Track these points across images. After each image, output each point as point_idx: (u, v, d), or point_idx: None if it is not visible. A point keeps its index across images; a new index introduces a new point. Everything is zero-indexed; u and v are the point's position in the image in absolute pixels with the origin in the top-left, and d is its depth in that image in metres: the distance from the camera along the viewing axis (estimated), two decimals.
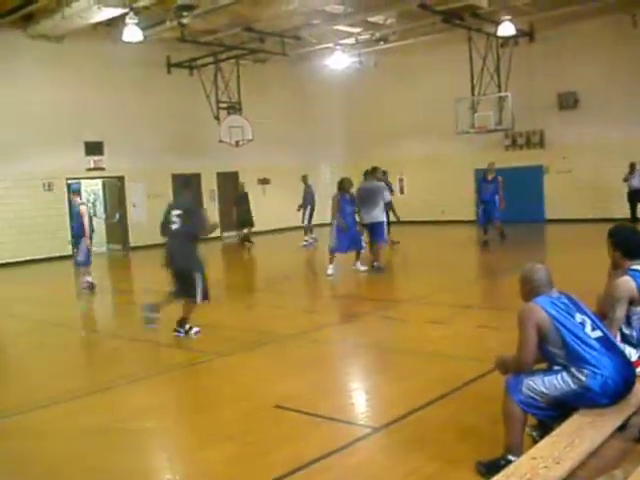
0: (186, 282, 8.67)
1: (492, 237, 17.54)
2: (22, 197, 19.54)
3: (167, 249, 8.92)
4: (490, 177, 17.54)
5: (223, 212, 24.75)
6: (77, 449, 5.31)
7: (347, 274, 14.04)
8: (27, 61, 19.21)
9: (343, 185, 13.57)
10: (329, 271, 13.53)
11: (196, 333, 8.87)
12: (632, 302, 4.48)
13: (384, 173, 17.40)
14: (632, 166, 20.60)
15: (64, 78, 19.98)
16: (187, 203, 9.10)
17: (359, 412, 6.02)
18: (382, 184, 14.72)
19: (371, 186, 14.03)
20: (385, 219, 14.50)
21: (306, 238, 20.22)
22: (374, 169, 14.92)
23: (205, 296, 8.84)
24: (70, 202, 16.12)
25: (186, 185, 9.35)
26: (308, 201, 20.66)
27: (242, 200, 21.32)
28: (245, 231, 21.52)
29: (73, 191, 16.40)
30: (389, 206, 15.90)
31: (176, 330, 8.89)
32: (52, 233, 20.02)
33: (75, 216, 14.35)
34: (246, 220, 21.19)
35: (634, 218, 20.70)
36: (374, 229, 13.88)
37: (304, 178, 21.13)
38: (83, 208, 13.88)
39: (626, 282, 4.50)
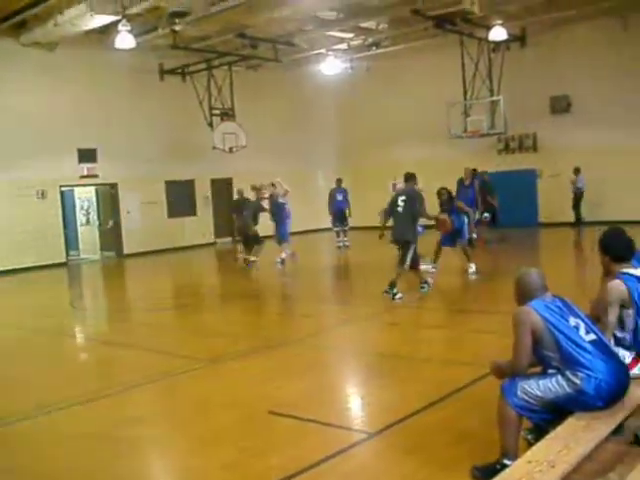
0: (403, 252, 11.05)
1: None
2: (15, 205, 19.48)
3: (394, 228, 11.31)
4: (467, 182, 17.36)
5: (217, 218, 24.76)
6: (73, 456, 5.30)
7: (340, 279, 14.04)
8: (20, 68, 19.18)
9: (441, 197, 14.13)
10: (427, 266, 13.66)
11: (399, 298, 10.80)
12: (624, 305, 4.49)
13: (475, 171, 18.67)
14: (577, 170, 20.98)
15: (57, 85, 19.95)
16: (410, 191, 11.39)
17: (354, 417, 6.02)
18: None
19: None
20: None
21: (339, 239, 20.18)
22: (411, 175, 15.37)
23: (414, 265, 11.27)
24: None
25: (408, 179, 11.66)
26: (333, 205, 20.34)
27: (242, 207, 20.35)
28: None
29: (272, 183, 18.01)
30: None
31: (386, 291, 10.90)
32: (45, 241, 19.99)
33: (275, 203, 17.11)
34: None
35: (577, 221, 21.38)
36: None
37: (338, 182, 20.78)
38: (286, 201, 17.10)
39: (617, 285, 4.51)
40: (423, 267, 13.38)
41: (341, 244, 19.96)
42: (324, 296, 13.21)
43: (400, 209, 11.19)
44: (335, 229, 20.33)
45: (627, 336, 4.55)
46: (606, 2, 18.81)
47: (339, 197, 20.40)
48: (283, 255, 16.72)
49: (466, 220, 14.11)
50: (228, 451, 5.14)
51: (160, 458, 5.44)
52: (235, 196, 21.45)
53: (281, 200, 17.11)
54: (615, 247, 4.74)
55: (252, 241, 16.58)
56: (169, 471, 5.18)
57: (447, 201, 13.96)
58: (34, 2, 16.54)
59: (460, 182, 17.47)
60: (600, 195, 21.47)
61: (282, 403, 6.15)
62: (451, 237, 13.70)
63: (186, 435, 5.70)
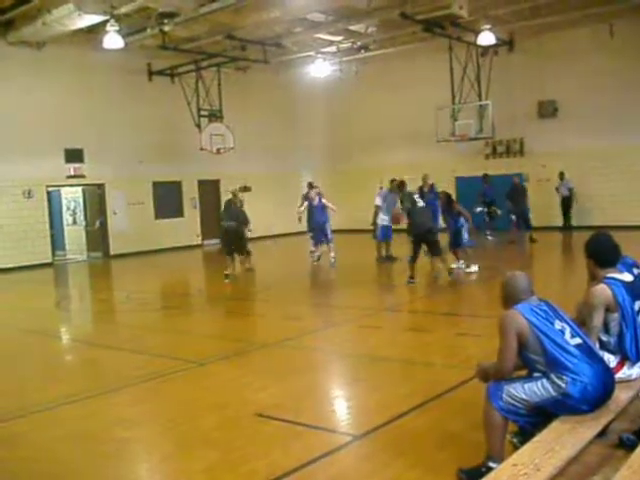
0: (434, 241, 13.06)
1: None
2: (1, 204, 19.38)
3: (420, 223, 12.97)
4: (427, 189, 16.88)
5: (204, 220, 24.72)
6: (58, 458, 5.26)
7: (326, 282, 14.06)
8: (7, 67, 19.04)
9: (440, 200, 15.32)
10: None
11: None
12: (609, 309, 4.51)
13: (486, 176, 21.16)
14: (561, 175, 21.21)
15: (44, 85, 19.86)
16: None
17: (340, 420, 6.01)
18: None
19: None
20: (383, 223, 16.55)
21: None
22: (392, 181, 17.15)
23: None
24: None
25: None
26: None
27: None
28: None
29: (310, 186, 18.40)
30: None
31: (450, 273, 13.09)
32: (32, 241, 19.90)
33: (317, 207, 16.92)
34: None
35: (566, 225, 21.72)
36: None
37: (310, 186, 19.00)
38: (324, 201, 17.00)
39: (602, 290, 4.53)
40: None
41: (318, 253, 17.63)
42: (309, 299, 13.21)
43: (421, 204, 13.14)
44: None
45: (612, 340, 4.58)
46: (593, 9, 18.95)
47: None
48: (317, 252, 17.17)
49: (465, 224, 14.31)
50: (213, 454, 5.12)
51: (145, 461, 5.41)
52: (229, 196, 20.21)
53: (315, 204, 17.15)
54: (600, 252, 4.76)
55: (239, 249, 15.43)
56: (154, 474, 5.15)
57: (446, 204, 14.47)
58: (22, 1, 16.46)
59: (420, 190, 16.34)
60: (586, 200, 21.64)
61: (268, 405, 6.14)
62: (451, 240, 14.31)
63: (172, 438, 5.67)
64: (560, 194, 21.64)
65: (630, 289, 4.57)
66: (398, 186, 16.27)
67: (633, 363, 4.54)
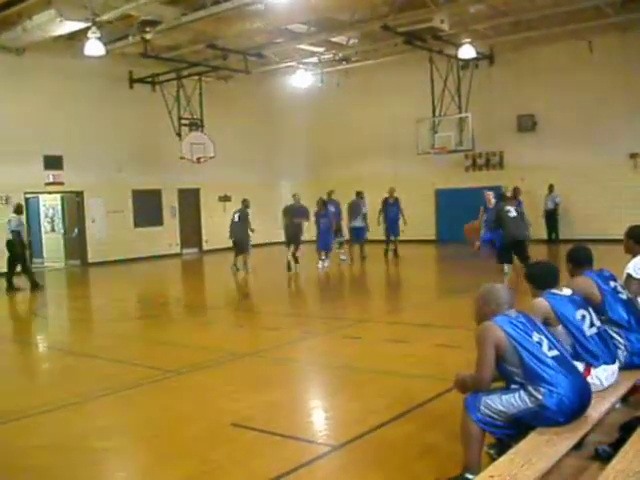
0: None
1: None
2: None
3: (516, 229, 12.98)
4: (392, 200, 19.82)
5: (184, 229, 24.66)
6: (33, 467, 5.19)
7: (306, 295, 14.07)
8: None
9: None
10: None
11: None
12: (549, 323, 4.59)
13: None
14: (550, 188, 21.41)
15: (24, 91, 19.73)
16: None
17: (318, 430, 6.00)
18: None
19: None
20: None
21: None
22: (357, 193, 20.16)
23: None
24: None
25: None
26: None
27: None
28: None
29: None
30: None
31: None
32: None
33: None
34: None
35: (550, 238, 21.81)
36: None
37: (244, 202, 18.26)
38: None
39: (539, 302, 4.70)
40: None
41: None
42: (287, 308, 13.19)
43: (513, 214, 12.78)
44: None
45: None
46: (572, 25, 19.18)
47: (235, 219, 17.80)
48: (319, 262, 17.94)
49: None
50: (191, 464, 5.08)
51: (123, 471, 5.36)
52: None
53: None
54: (536, 276, 4.98)
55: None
56: None
57: (322, 207, 18.13)
58: (1, 6, 16.37)
59: (385, 200, 19.88)
60: (565, 212, 21.85)
61: (246, 416, 6.11)
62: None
63: (149, 447, 5.63)
64: (545, 207, 21.82)
65: (570, 301, 4.71)
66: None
67: (597, 365, 4.59)
